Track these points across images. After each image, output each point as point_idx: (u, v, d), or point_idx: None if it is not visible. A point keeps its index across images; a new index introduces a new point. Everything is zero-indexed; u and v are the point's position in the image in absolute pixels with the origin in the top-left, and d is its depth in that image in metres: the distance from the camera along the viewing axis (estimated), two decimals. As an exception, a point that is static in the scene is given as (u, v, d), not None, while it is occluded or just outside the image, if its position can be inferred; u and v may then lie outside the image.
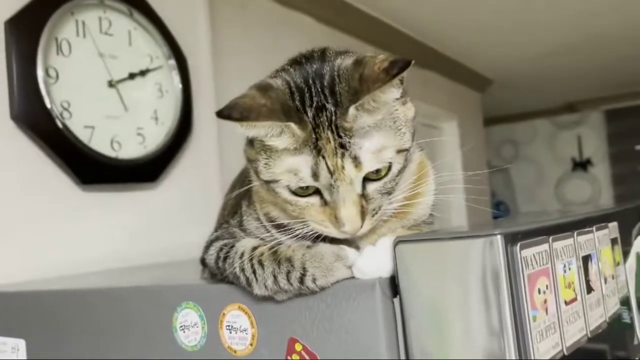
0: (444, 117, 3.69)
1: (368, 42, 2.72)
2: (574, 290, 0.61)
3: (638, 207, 1.02)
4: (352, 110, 0.58)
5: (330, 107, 0.59)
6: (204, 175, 1.61)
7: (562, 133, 5.60)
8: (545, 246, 0.57)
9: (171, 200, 1.53)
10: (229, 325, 0.68)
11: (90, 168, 1.33)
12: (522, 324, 0.51)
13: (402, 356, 0.57)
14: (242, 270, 0.64)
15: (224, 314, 0.68)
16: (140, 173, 1.45)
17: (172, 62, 1.52)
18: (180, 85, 1.53)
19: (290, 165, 0.60)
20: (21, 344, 0.95)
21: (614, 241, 0.79)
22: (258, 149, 0.63)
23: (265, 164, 0.62)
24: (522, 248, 0.52)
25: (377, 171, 0.61)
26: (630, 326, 0.86)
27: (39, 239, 1.25)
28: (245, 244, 0.67)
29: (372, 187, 0.62)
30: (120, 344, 0.81)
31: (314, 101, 0.60)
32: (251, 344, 0.66)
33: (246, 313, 0.66)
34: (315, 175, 0.59)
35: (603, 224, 0.74)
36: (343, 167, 0.59)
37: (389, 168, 0.61)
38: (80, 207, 1.33)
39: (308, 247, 0.63)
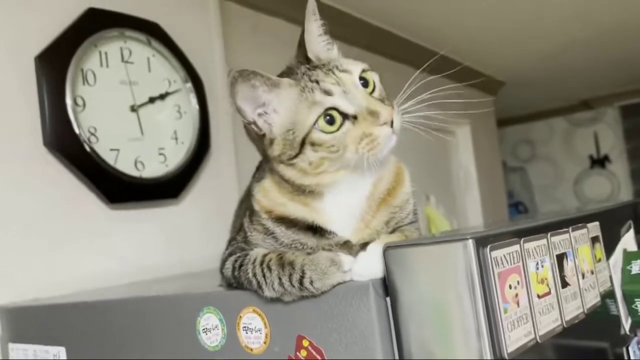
0: (456, 121, 3.75)
1: (376, 52, 2.80)
2: (548, 285, 0.69)
3: (626, 207, 1.09)
4: None
5: None
6: (222, 191, 1.71)
7: (578, 131, 5.60)
8: (516, 247, 0.65)
9: (192, 215, 1.62)
10: (245, 327, 0.76)
11: (116, 188, 1.43)
12: (494, 315, 0.59)
13: (395, 348, 0.65)
14: (254, 275, 0.72)
15: (240, 316, 0.77)
16: (163, 190, 1.55)
17: (189, 85, 1.62)
18: (197, 106, 1.63)
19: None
20: (62, 351, 1.05)
21: (594, 239, 0.86)
22: None
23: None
24: (492, 249, 0.60)
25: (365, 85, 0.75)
26: (618, 318, 0.93)
27: (72, 255, 1.35)
28: (257, 252, 0.76)
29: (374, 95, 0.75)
30: (150, 347, 0.90)
31: None
32: (265, 342, 0.74)
33: (260, 315, 0.75)
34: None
35: (581, 225, 0.82)
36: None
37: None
38: (108, 224, 1.44)
39: (308, 253, 0.71)
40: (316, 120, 0.71)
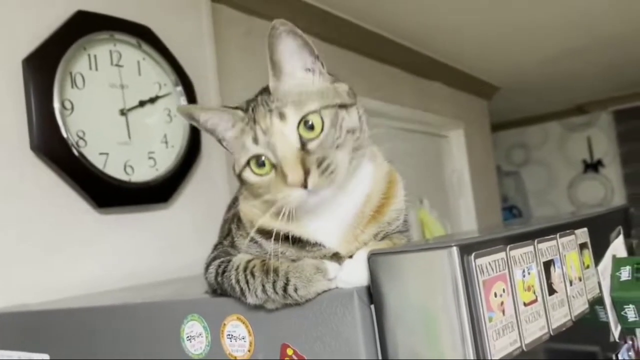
0: (450, 125, 3.75)
1: (371, 57, 2.80)
2: (534, 293, 0.68)
3: (615, 212, 1.09)
4: None
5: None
6: (212, 195, 1.70)
7: (572, 135, 5.61)
8: (502, 254, 0.64)
9: (183, 219, 1.61)
10: (229, 334, 0.75)
11: (105, 192, 1.42)
12: (478, 324, 0.58)
13: (380, 355, 0.64)
14: (237, 281, 0.71)
15: (224, 324, 0.76)
16: (153, 194, 1.54)
17: (180, 88, 1.61)
18: (187, 110, 1.62)
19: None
20: (46, 358, 1.04)
21: (583, 246, 0.86)
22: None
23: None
24: (476, 257, 0.59)
25: (311, 127, 0.70)
26: (607, 324, 0.92)
27: (60, 260, 1.34)
28: (241, 258, 0.75)
29: (312, 144, 0.69)
30: (135, 354, 0.89)
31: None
32: (249, 350, 0.73)
33: (244, 323, 0.74)
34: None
35: (568, 231, 0.81)
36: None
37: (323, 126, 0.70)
38: (97, 229, 1.42)
39: (293, 260, 0.70)
40: (247, 162, 0.72)
